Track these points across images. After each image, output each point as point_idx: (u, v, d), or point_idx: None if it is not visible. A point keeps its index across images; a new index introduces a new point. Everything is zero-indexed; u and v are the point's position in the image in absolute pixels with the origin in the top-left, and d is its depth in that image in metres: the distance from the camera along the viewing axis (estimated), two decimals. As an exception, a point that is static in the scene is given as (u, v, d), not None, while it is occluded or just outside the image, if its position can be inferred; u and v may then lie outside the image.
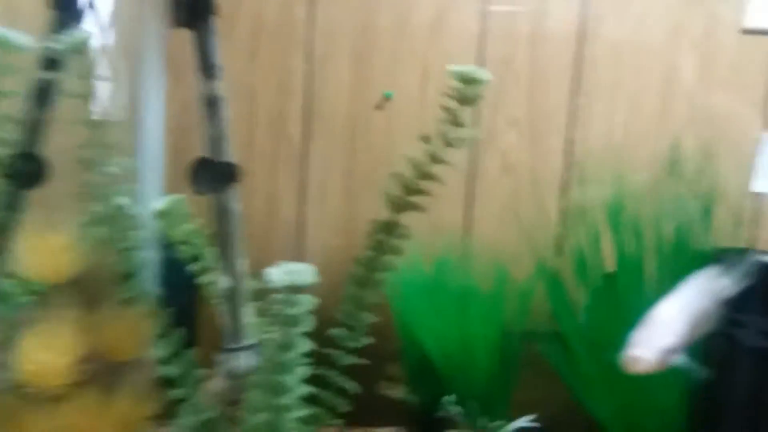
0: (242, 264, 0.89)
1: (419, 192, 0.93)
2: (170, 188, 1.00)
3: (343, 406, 0.99)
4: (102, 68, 0.86)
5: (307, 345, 0.82)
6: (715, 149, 1.11)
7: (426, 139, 0.91)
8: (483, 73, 0.88)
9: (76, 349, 0.79)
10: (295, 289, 0.78)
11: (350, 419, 0.99)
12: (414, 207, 0.94)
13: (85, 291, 0.83)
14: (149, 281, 0.96)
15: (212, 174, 0.85)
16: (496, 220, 1.28)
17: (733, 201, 1.08)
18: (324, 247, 1.30)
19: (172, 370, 0.93)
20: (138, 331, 0.86)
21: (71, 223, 0.86)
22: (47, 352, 0.79)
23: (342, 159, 1.29)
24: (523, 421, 1.10)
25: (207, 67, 0.84)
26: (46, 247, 0.84)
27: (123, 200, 0.92)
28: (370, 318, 0.99)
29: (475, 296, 1.14)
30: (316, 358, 0.85)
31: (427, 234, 1.15)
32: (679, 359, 0.88)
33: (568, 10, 1.25)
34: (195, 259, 0.96)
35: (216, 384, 0.92)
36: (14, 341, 0.80)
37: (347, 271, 0.99)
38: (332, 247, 1.29)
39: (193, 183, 0.85)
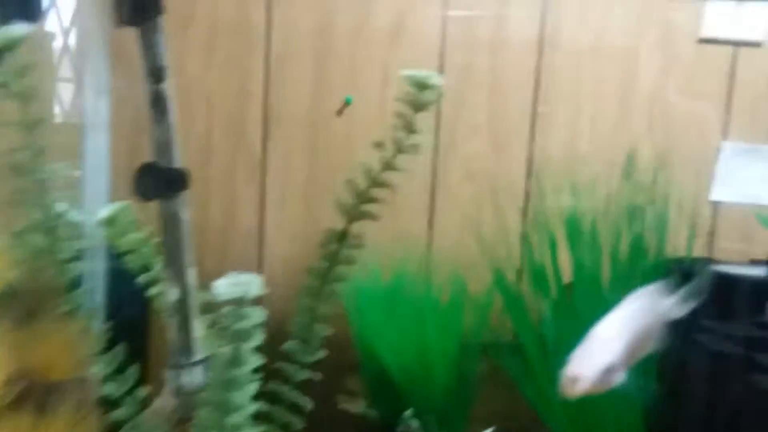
0: (192, 275, 0.85)
1: (372, 200, 0.91)
2: (119, 195, 0.95)
3: (297, 422, 0.96)
4: (62, 69, 0.82)
5: (257, 360, 0.79)
6: (672, 158, 1.11)
7: (379, 145, 0.89)
8: (437, 79, 0.86)
9: (6, 366, 0.74)
10: (244, 301, 0.74)
11: (306, 436, 0.96)
12: (368, 215, 0.92)
13: (19, 304, 0.78)
14: (93, 293, 0.92)
15: (159, 180, 0.81)
16: (458, 229, 1.27)
17: (690, 210, 1.08)
18: (284, 256, 1.26)
19: (114, 388, 0.89)
20: (77, 348, 0.81)
21: (4, 230, 0.81)
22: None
23: (302, 165, 1.26)
24: (483, 435, 1.08)
25: (154, 68, 0.80)
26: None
27: (63, 207, 0.87)
28: (324, 330, 0.97)
29: (434, 307, 1.11)
30: (269, 372, 0.82)
31: (389, 243, 1.13)
32: (622, 379, 0.85)
33: (528, 17, 1.25)
34: (143, 269, 0.92)
35: (164, 402, 0.88)
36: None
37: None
38: (292, 256, 1.25)
39: (137, 189, 0.81)
